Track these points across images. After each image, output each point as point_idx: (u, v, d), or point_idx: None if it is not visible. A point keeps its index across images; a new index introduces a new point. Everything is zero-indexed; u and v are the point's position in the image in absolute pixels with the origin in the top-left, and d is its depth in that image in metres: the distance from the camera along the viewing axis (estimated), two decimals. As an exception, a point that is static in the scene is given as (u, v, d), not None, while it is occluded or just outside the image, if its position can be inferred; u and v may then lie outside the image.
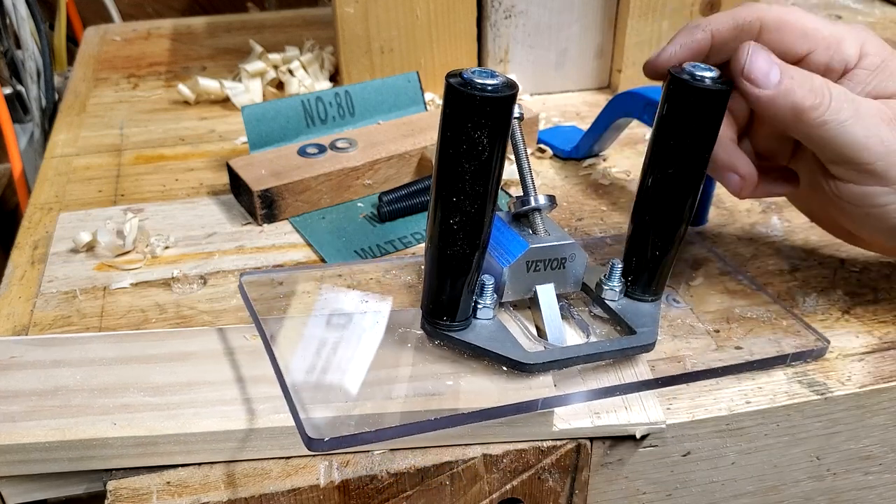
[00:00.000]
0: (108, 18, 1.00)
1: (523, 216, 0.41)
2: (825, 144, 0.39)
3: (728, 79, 0.38)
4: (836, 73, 0.40)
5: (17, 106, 0.84)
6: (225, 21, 0.89)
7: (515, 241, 0.40)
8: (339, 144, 0.55)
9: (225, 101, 0.70)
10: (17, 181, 0.76)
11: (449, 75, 0.33)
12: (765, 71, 0.38)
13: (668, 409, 0.39)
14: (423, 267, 0.39)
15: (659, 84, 0.40)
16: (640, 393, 0.39)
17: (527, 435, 0.37)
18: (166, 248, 0.50)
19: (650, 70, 0.41)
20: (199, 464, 0.37)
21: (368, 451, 0.37)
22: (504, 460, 0.37)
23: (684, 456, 0.40)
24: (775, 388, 0.40)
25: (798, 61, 0.40)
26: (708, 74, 0.37)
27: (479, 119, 0.33)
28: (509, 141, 0.36)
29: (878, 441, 0.42)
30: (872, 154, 0.38)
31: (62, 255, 0.49)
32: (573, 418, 0.38)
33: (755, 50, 0.38)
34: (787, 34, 0.40)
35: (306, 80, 0.70)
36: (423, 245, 0.49)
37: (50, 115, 0.82)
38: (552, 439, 0.38)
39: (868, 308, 0.45)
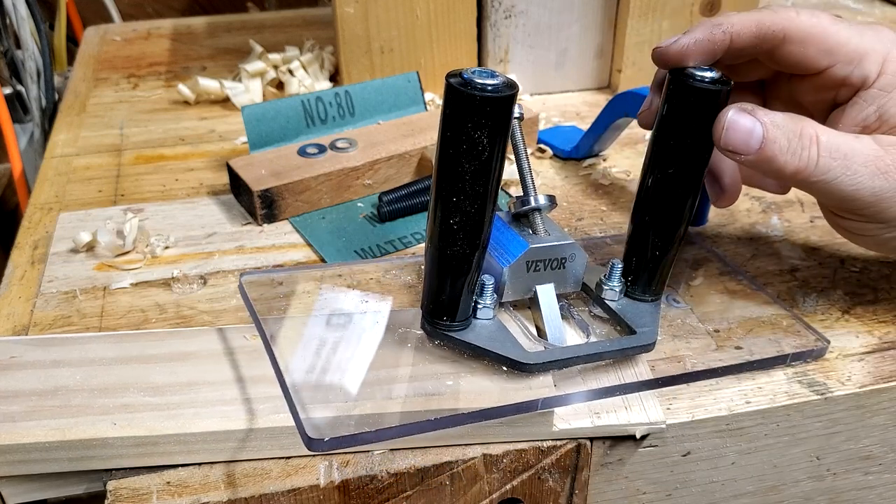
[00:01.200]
0: (108, 18, 1.00)
1: (523, 216, 0.41)
2: (813, 193, 0.39)
3: (728, 78, 0.38)
4: (853, 88, 0.40)
5: (17, 106, 0.84)
6: (225, 21, 0.89)
7: (515, 241, 0.40)
8: (339, 144, 0.55)
9: (225, 101, 0.70)
10: (17, 181, 0.76)
11: (449, 75, 0.33)
12: (744, 140, 0.37)
13: (668, 409, 0.39)
14: (423, 267, 0.39)
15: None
16: (640, 393, 0.39)
17: (527, 435, 0.37)
18: (166, 248, 0.50)
19: (658, 58, 0.40)
20: (199, 464, 0.37)
21: (368, 451, 0.37)
22: (504, 460, 0.37)
23: (684, 456, 0.40)
24: (775, 388, 0.40)
25: (816, 74, 0.40)
26: (708, 74, 0.37)
27: (479, 119, 0.33)
28: (509, 141, 0.36)
29: (878, 441, 0.42)
30: (861, 203, 0.38)
31: (62, 255, 0.49)
32: (573, 418, 0.38)
33: (733, 120, 0.37)
34: (810, 48, 0.39)
35: (306, 80, 0.70)
36: (423, 245, 0.49)
37: (50, 115, 0.82)
38: (552, 439, 0.38)
39: (868, 308, 0.45)
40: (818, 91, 0.41)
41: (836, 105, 0.41)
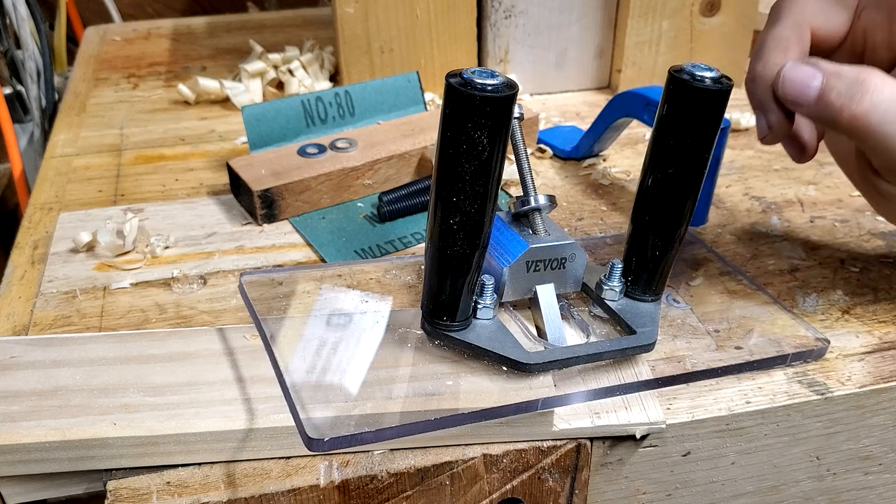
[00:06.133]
0: (108, 18, 1.00)
1: (523, 216, 0.41)
2: (871, 146, 0.38)
3: (728, 78, 0.38)
4: None
5: (17, 106, 0.84)
6: (225, 21, 0.89)
7: (515, 241, 0.40)
8: (339, 144, 0.55)
9: (225, 101, 0.70)
10: (17, 181, 0.76)
11: (449, 75, 0.33)
12: (801, 90, 0.38)
13: (668, 409, 0.39)
14: (423, 267, 0.39)
15: (663, 77, 0.40)
16: (640, 393, 0.39)
17: (527, 435, 0.37)
18: (166, 248, 0.50)
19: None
20: (199, 464, 0.37)
21: (368, 451, 0.37)
22: (504, 460, 0.37)
23: (684, 456, 0.40)
24: (775, 388, 0.40)
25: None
26: (708, 74, 0.37)
27: (479, 119, 0.33)
28: (509, 141, 0.36)
29: (878, 441, 0.42)
30: None
31: (62, 255, 0.49)
32: (573, 418, 0.38)
33: (789, 69, 0.38)
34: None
35: (306, 80, 0.70)
36: (423, 245, 0.49)
37: (50, 115, 0.82)
38: (552, 439, 0.38)
39: (868, 308, 0.45)
40: (891, 22, 0.41)
41: None
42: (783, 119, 0.41)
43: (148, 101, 0.70)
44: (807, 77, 0.38)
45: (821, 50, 0.43)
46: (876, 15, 0.42)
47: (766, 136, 0.42)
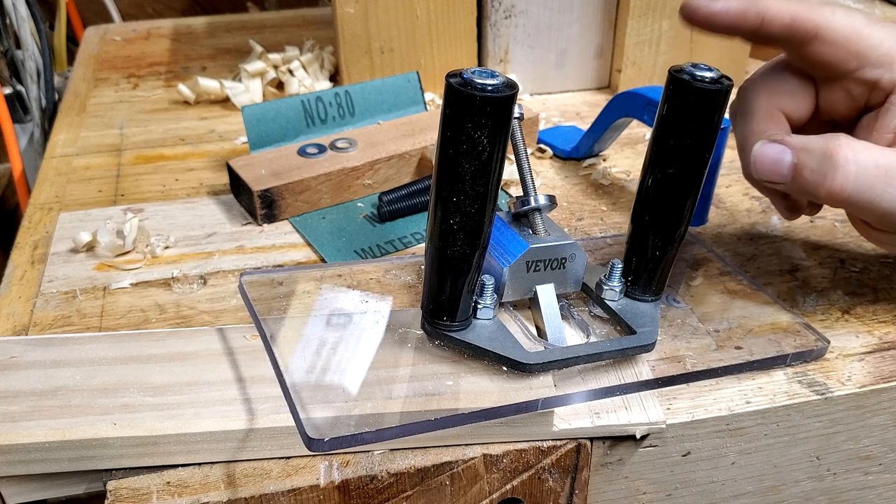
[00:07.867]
0: (108, 18, 1.00)
1: (523, 216, 0.41)
2: (854, 212, 0.39)
3: (728, 78, 0.38)
4: (884, 91, 0.39)
5: (17, 106, 0.84)
6: (225, 21, 0.89)
7: (515, 241, 0.40)
8: (339, 144, 0.55)
9: (225, 101, 0.70)
10: (17, 181, 0.76)
11: (449, 75, 0.33)
12: (774, 169, 0.38)
13: (668, 409, 0.39)
14: (423, 267, 0.39)
15: (663, 77, 0.40)
16: (640, 393, 0.39)
17: (527, 435, 0.37)
18: (166, 248, 0.50)
19: (687, 13, 0.37)
20: (199, 464, 0.37)
21: (368, 451, 0.37)
22: (504, 460, 0.37)
23: (684, 456, 0.40)
24: (775, 388, 0.40)
25: (845, 75, 0.39)
26: (708, 74, 0.37)
27: (479, 119, 0.33)
28: (509, 141, 0.36)
29: (878, 441, 0.42)
30: None
31: (62, 255, 0.49)
32: (573, 418, 0.38)
33: (759, 151, 0.39)
34: (840, 50, 0.38)
35: (306, 80, 0.70)
36: (423, 245, 0.49)
37: (50, 115, 0.82)
38: (552, 439, 0.38)
39: (868, 308, 0.45)
40: (848, 95, 0.41)
41: (869, 109, 0.41)
42: (790, 201, 0.43)
43: (148, 101, 0.70)
44: (777, 154, 0.38)
45: (792, 128, 0.43)
46: (833, 88, 0.42)
47: (793, 216, 0.43)
